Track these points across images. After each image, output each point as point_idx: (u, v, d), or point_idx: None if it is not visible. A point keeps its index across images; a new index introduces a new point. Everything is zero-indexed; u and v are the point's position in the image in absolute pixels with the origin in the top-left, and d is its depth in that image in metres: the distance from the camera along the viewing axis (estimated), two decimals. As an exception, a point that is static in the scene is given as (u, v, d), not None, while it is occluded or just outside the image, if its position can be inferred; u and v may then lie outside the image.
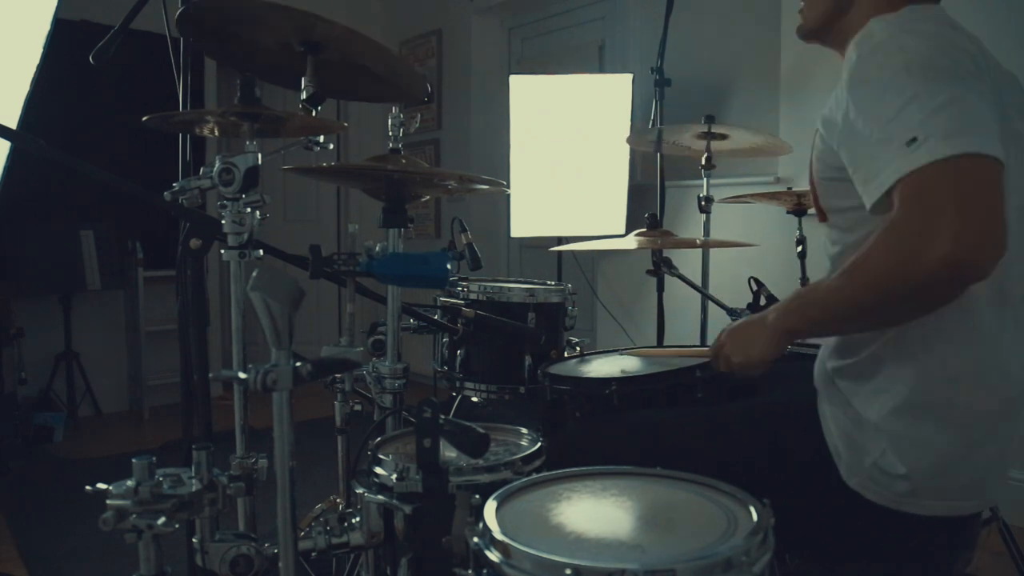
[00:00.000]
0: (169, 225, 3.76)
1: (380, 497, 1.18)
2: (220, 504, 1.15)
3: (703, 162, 2.55)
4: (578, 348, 1.94)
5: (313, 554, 1.21)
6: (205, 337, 1.32)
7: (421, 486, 1.14)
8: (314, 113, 1.48)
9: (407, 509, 1.15)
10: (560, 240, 3.47)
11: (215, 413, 1.33)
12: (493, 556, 0.85)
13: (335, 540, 1.22)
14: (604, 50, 4.11)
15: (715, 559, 0.80)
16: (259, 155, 1.30)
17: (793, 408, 1.23)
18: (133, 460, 1.06)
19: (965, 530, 1.12)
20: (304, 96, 1.47)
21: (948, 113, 0.90)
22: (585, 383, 1.55)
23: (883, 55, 0.99)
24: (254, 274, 0.93)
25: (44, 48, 1.80)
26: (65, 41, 1.86)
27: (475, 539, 0.89)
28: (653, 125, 3.00)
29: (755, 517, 0.90)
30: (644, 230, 2.11)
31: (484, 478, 1.16)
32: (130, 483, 1.05)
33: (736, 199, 2.44)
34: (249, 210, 1.30)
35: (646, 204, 3.14)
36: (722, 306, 2.17)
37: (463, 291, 1.96)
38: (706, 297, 2.53)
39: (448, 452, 1.18)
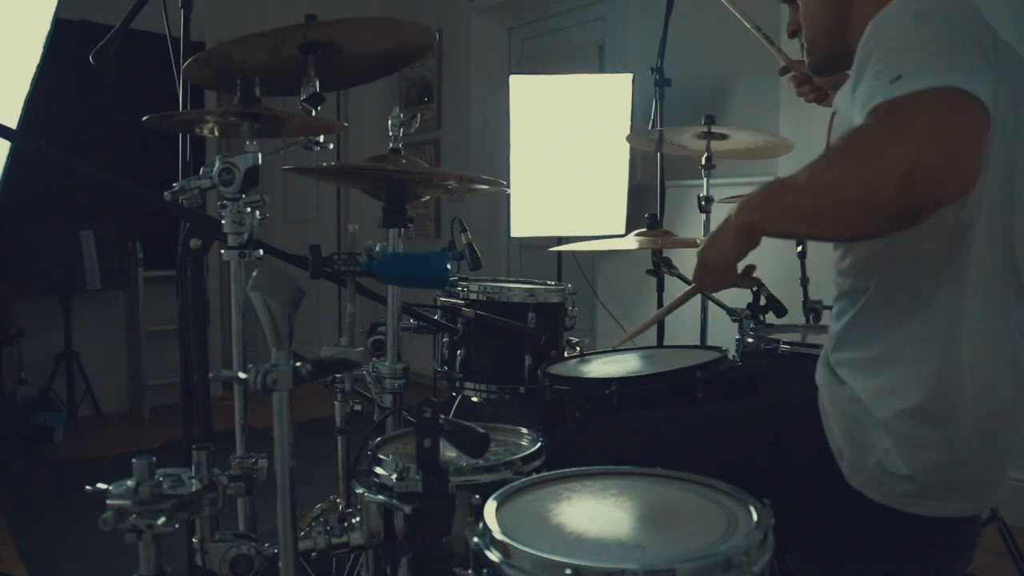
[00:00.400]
0: (169, 225, 3.76)
1: (380, 497, 1.18)
2: (220, 504, 1.15)
3: (703, 162, 2.55)
4: (578, 348, 1.94)
5: (313, 554, 1.21)
6: (205, 337, 1.32)
7: (421, 486, 1.14)
8: (314, 113, 1.48)
9: (407, 509, 1.15)
10: (560, 240, 3.47)
11: (215, 413, 1.33)
12: (493, 556, 0.85)
13: (335, 540, 1.22)
14: (604, 50, 4.11)
15: (715, 559, 0.80)
16: (259, 155, 1.30)
17: (793, 408, 1.23)
18: (133, 460, 1.06)
19: (966, 530, 1.12)
20: (304, 96, 1.47)
21: (939, 55, 0.87)
22: (585, 383, 1.55)
23: (896, 23, 0.96)
24: (254, 274, 0.93)
25: (44, 48, 1.80)
26: (65, 41, 1.86)
27: (475, 539, 0.89)
28: (653, 125, 3.00)
29: (755, 517, 0.90)
30: (644, 230, 2.11)
31: (484, 478, 1.15)
32: (130, 483, 1.05)
33: (736, 199, 2.42)
34: (249, 210, 1.30)
35: (646, 204, 3.14)
36: (722, 306, 2.17)
37: (463, 291, 1.96)
38: (706, 297, 2.53)
39: (448, 452, 1.18)
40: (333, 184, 4.59)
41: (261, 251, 1.36)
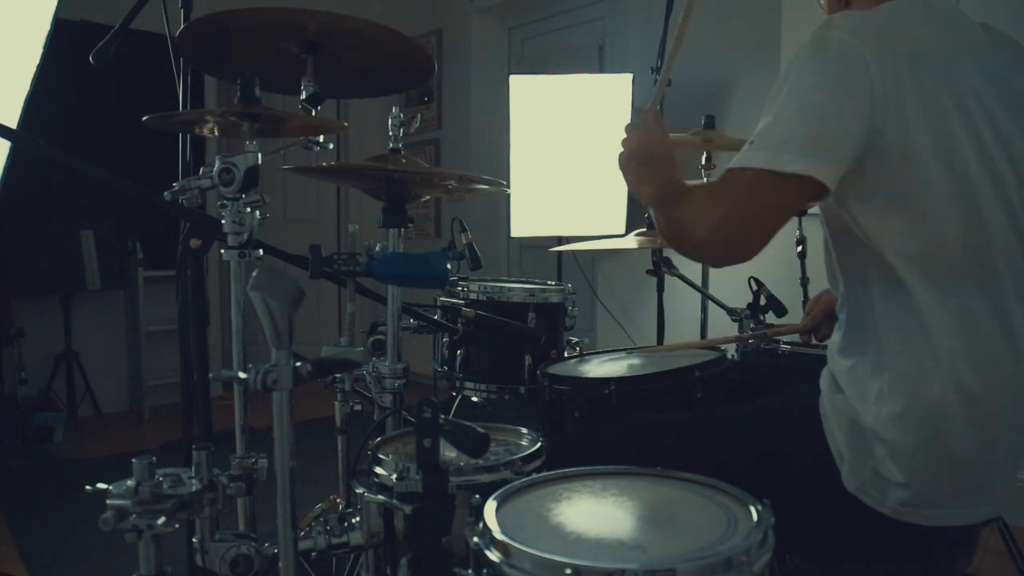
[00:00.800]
0: (169, 225, 3.76)
1: (380, 497, 1.18)
2: (220, 504, 1.15)
3: (703, 162, 2.55)
4: (578, 348, 1.94)
5: (313, 554, 1.21)
6: (205, 337, 1.32)
7: (421, 486, 1.14)
8: (314, 113, 1.48)
9: (407, 509, 1.15)
10: (560, 240, 3.46)
11: (215, 413, 1.33)
12: (493, 556, 0.85)
13: (335, 540, 1.22)
14: (604, 50, 4.11)
15: (715, 559, 0.80)
16: (259, 155, 1.30)
17: (794, 410, 1.23)
18: (133, 460, 1.06)
19: (967, 537, 1.12)
20: (304, 96, 1.47)
21: (782, 129, 1.00)
22: (585, 383, 1.55)
23: (795, 70, 1.03)
24: (254, 274, 0.93)
25: (44, 48, 1.80)
26: (65, 41, 1.86)
27: (475, 539, 0.89)
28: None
29: (755, 517, 0.90)
30: (644, 230, 2.11)
31: (484, 478, 1.15)
32: (130, 483, 1.05)
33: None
34: (249, 210, 1.30)
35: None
36: (722, 306, 2.17)
37: (463, 291, 1.96)
38: (706, 297, 2.53)
39: (448, 452, 1.18)
40: (333, 184, 4.59)
41: (261, 251, 1.36)
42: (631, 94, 3.46)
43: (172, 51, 1.64)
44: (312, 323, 4.98)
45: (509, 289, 1.98)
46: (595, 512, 0.97)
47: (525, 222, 3.55)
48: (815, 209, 1.21)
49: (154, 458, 1.08)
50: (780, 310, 1.97)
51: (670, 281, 2.61)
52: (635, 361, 1.74)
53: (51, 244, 3.95)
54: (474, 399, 2.00)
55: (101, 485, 1.06)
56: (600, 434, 1.36)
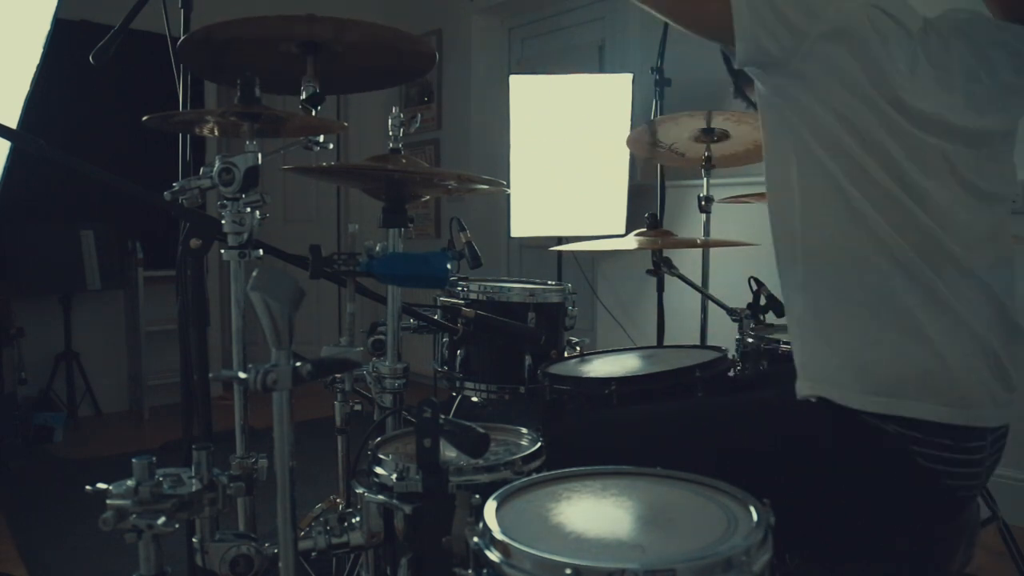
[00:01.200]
0: (169, 225, 3.76)
1: (380, 497, 1.18)
2: (220, 504, 1.15)
3: (703, 162, 2.55)
4: (578, 348, 1.94)
5: (313, 554, 1.21)
6: (205, 337, 1.32)
7: (421, 486, 1.14)
8: (314, 113, 1.48)
9: (407, 509, 1.15)
10: (560, 240, 3.47)
11: (215, 413, 1.33)
12: (493, 556, 0.85)
13: (335, 540, 1.21)
14: (604, 50, 4.11)
15: (715, 559, 0.80)
16: (259, 155, 1.30)
17: (791, 402, 1.22)
18: (133, 460, 1.06)
19: (965, 517, 1.13)
20: (303, 96, 1.47)
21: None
22: (585, 383, 1.55)
23: None
24: (254, 274, 0.93)
25: (44, 48, 1.80)
26: (65, 41, 1.86)
27: (475, 539, 0.89)
28: (653, 126, 3.00)
29: (755, 517, 0.90)
30: (644, 230, 2.11)
31: (484, 478, 1.15)
32: (130, 483, 1.05)
33: (736, 199, 2.43)
34: (249, 210, 1.29)
35: (646, 204, 3.14)
36: (722, 306, 2.17)
37: (463, 291, 1.96)
38: (706, 297, 2.53)
39: (448, 452, 1.18)
40: (333, 184, 4.59)
41: (261, 251, 1.36)
42: (631, 94, 3.46)
43: (172, 52, 1.64)
44: (312, 323, 4.98)
45: (509, 289, 1.98)
46: (595, 512, 0.97)
47: (525, 222, 3.55)
48: None
49: (154, 458, 1.08)
50: (780, 310, 1.97)
51: (670, 281, 2.61)
52: (636, 361, 1.74)
53: (51, 244, 3.95)
54: (474, 399, 2.00)
55: (101, 485, 1.06)
56: (601, 434, 1.36)
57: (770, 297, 2.00)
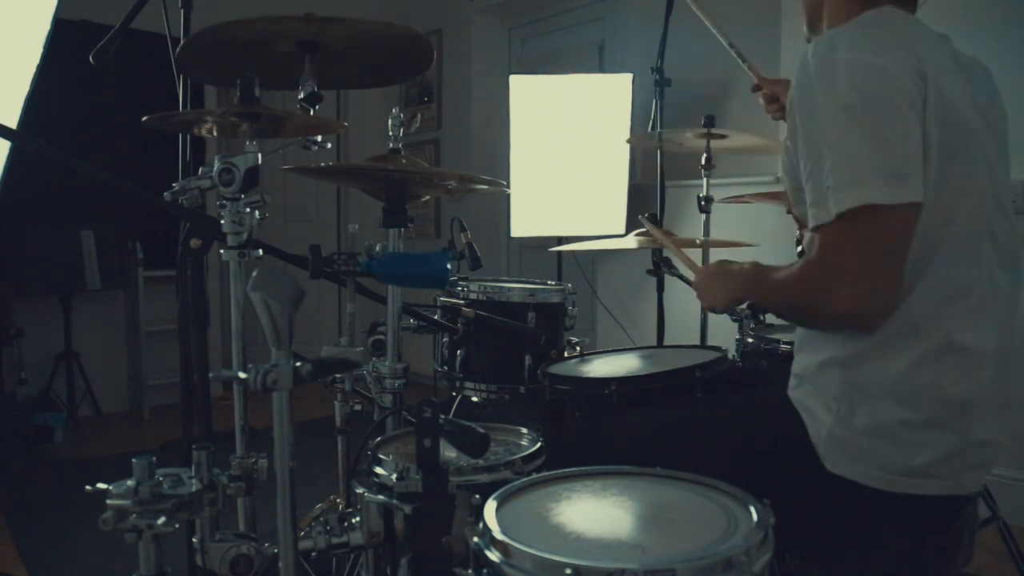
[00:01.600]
0: (169, 225, 3.75)
1: (380, 497, 1.18)
2: (220, 504, 1.15)
3: (703, 162, 2.55)
4: (578, 348, 1.94)
5: (313, 554, 1.21)
6: (205, 337, 1.32)
7: (421, 486, 1.14)
8: (312, 112, 1.48)
9: (407, 509, 1.15)
10: (560, 240, 3.47)
11: (215, 413, 1.33)
12: (493, 556, 0.85)
13: (335, 540, 1.21)
14: (604, 50, 4.11)
15: (715, 559, 0.80)
16: (259, 155, 1.30)
17: (792, 404, 1.22)
18: (133, 460, 1.06)
19: (962, 520, 1.12)
20: (302, 95, 1.47)
21: (858, 160, 1.00)
22: (585, 383, 1.55)
23: (818, 90, 1.05)
24: (254, 274, 0.93)
25: (44, 48, 1.80)
26: (65, 41, 1.86)
27: (475, 539, 0.89)
28: (653, 126, 3.00)
29: (755, 517, 0.90)
30: (644, 230, 2.10)
31: (484, 478, 1.15)
32: (130, 483, 1.05)
33: (736, 199, 2.44)
34: (249, 210, 1.29)
35: (646, 204, 3.14)
36: (722, 306, 2.17)
37: (463, 291, 1.96)
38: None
39: (448, 452, 1.18)
40: (333, 184, 4.59)
41: (261, 251, 1.36)
42: (631, 94, 3.46)
43: (172, 52, 1.64)
44: (312, 323, 4.97)
45: (509, 289, 1.98)
46: (595, 512, 0.97)
47: (525, 222, 3.55)
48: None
49: (154, 458, 1.08)
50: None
51: (670, 281, 2.61)
52: (636, 361, 1.74)
53: (51, 244, 3.95)
54: (474, 399, 2.00)
55: (101, 485, 1.06)
56: (601, 434, 1.36)
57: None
